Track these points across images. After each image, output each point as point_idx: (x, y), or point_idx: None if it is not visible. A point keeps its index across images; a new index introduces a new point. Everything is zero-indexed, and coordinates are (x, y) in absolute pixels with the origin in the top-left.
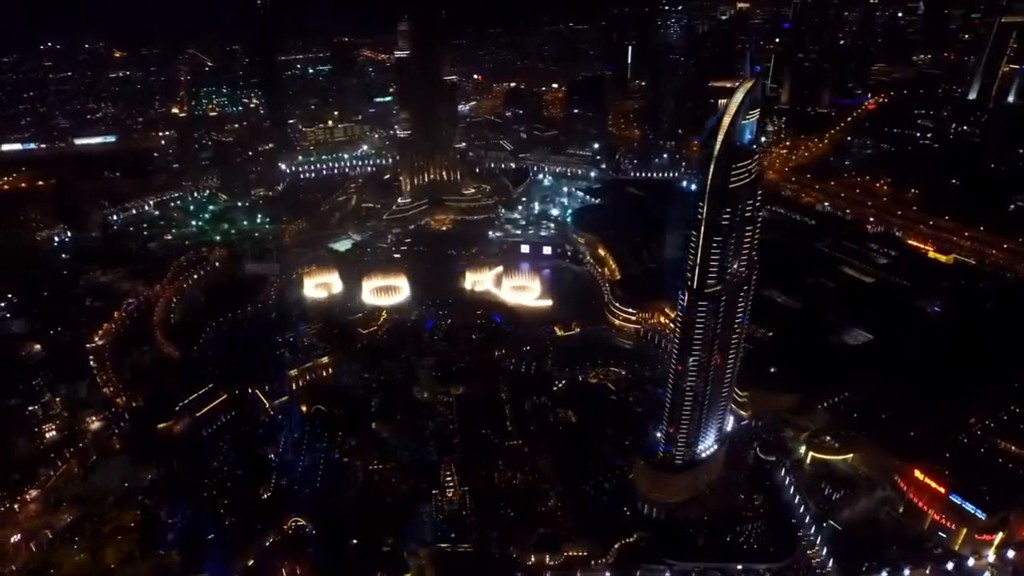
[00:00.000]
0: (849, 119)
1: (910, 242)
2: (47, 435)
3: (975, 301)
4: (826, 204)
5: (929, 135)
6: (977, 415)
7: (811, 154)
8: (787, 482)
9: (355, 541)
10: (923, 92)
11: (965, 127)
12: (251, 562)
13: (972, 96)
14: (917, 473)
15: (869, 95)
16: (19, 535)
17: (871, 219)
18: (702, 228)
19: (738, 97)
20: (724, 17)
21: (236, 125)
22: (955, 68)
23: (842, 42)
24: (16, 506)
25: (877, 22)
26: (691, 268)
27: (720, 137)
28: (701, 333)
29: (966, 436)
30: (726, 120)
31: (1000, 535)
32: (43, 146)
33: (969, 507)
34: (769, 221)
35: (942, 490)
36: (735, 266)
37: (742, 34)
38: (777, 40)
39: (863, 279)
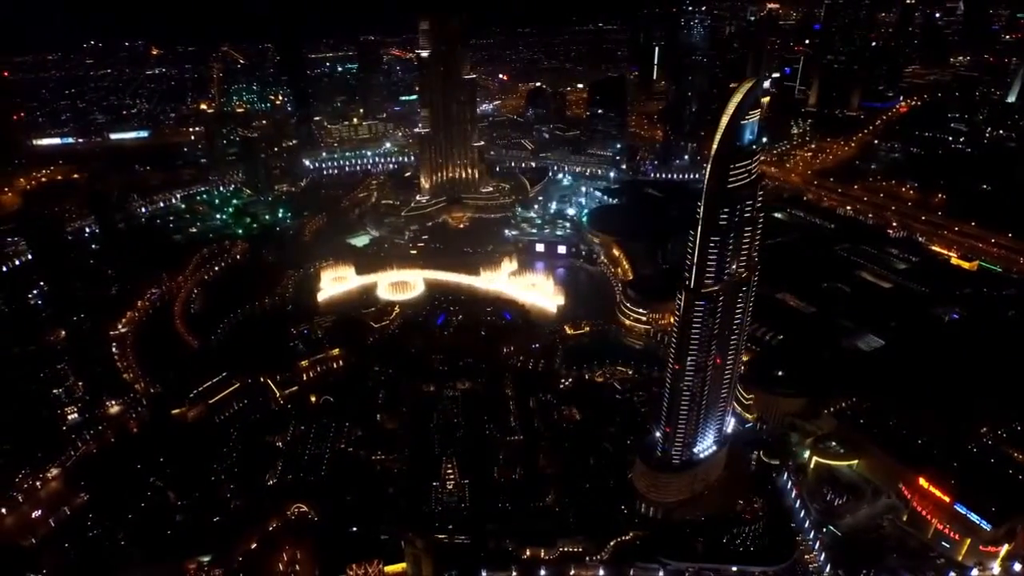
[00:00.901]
0: (878, 122)
1: (933, 248)
2: (69, 417)
3: (996, 308)
4: (848, 208)
5: (962, 139)
6: (989, 424)
7: (836, 158)
8: (789, 486)
9: (354, 528)
10: (959, 95)
11: (1001, 131)
12: (254, 545)
13: (1011, 99)
14: (922, 481)
15: (901, 98)
16: (40, 510)
17: (894, 224)
18: (699, 228)
19: (737, 97)
20: (753, 18)
21: (263, 122)
22: (995, 70)
23: (874, 44)
24: (39, 483)
25: (914, 23)
26: (689, 268)
27: (718, 137)
28: (698, 333)
29: (976, 445)
30: (724, 120)
31: (1006, 547)
32: (80, 140)
33: (974, 517)
34: (787, 224)
35: (947, 499)
36: (734, 267)
37: (771, 35)
38: (807, 42)
39: (880, 284)
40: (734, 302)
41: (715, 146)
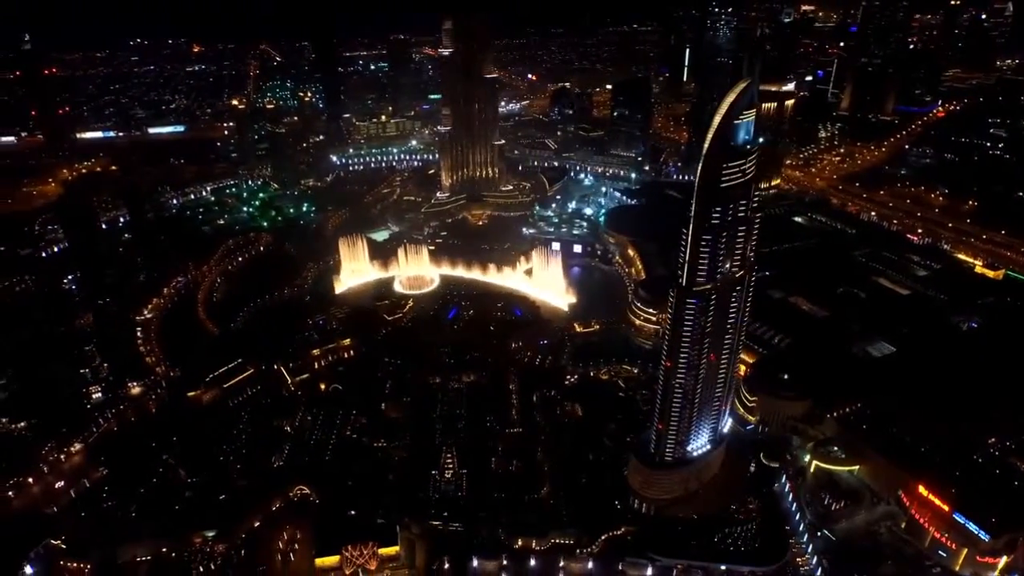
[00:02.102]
0: (913, 127)
1: (958, 255)
2: (93, 396)
3: (1019, 318)
4: (872, 213)
5: (1001, 145)
6: (996, 435)
7: (865, 162)
8: (787, 489)
9: (352, 512)
10: (1002, 99)
11: None
12: (257, 523)
13: None
14: (922, 489)
15: (939, 102)
16: (63, 482)
17: (919, 230)
18: (691, 226)
19: (730, 98)
20: (787, 20)
21: (294, 118)
22: None
23: (912, 46)
24: (62, 456)
25: (960, 24)
26: (681, 266)
27: (709, 136)
28: (689, 331)
29: (981, 455)
30: (716, 120)
31: (1004, 559)
32: (121, 134)
33: (972, 527)
34: (807, 228)
35: (946, 508)
36: (727, 266)
37: (805, 37)
38: (841, 44)
39: (897, 291)
40: (728, 301)
41: (707, 145)
